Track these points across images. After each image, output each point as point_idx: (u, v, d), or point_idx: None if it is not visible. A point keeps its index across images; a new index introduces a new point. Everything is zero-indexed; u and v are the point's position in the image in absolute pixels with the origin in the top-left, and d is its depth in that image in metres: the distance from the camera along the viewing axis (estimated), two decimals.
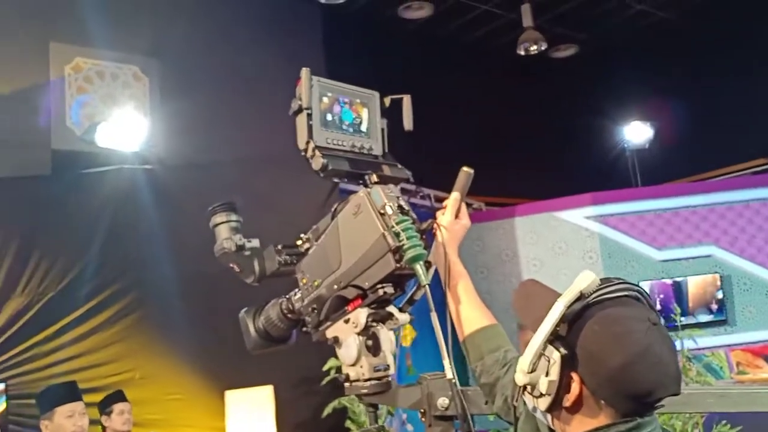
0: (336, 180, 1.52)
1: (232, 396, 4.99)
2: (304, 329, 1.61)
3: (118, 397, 4.28)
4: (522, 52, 7.67)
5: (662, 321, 1.14)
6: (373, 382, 1.45)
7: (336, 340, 1.49)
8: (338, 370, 4.95)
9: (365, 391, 1.45)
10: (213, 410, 5.00)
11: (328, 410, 5.03)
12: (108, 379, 4.73)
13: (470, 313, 1.46)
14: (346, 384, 1.48)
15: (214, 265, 5.26)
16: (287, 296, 1.60)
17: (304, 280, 1.55)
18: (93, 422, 4.20)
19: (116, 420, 4.20)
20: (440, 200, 6.50)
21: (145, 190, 5.20)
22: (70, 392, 3.25)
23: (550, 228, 6.92)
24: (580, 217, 6.85)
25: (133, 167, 5.30)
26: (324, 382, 5.07)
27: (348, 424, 5.06)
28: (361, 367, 1.45)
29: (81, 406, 3.23)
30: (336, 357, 4.52)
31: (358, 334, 1.45)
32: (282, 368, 5.12)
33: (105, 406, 4.22)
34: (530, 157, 8.53)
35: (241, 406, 4.99)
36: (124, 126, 5.32)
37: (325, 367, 5.06)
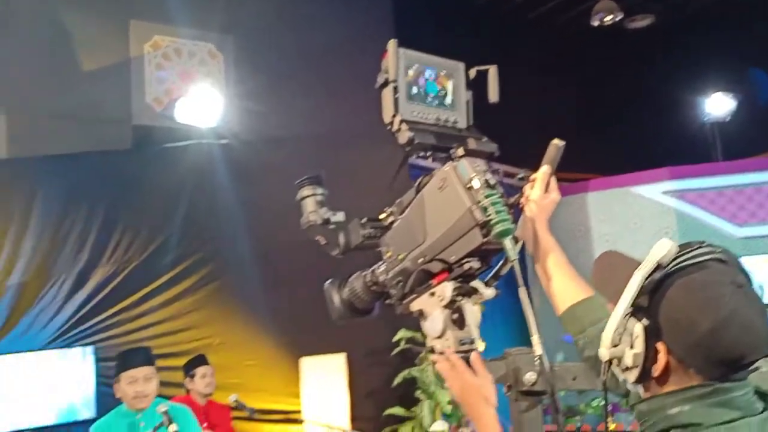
0: (421, 154, 1.52)
1: (306, 363, 5.14)
2: (388, 302, 1.64)
3: (201, 361, 4.47)
4: (596, 23, 7.43)
5: (752, 281, 1.10)
6: (459, 355, 1.47)
7: (421, 313, 1.51)
8: (408, 341, 5.04)
9: None
10: (288, 376, 5.17)
11: (398, 380, 5.11)
12: (189, 345, 4.94)
13: (566, 287, 1.44)
14: (432, 356, 1.51)
15: (288, 237, 5.38)
16: (371, 269, 1.62)
17: (389, 254, 1.57)
18: (178, 385, 4.43)
19: (199, 383, 4.40)
20: (510, 175, 6.44)
21: (221, 164, 5.35)
22: (134, 358, 3.33)
23: (624, 204, 6.75)
24: (657, 192, 6.66)
25: (210, 142, 5.46)
26: (394, 352, 5.15)
27: (418, 393, 5.13)
28: (447, 339, 1.47)
29: (145, 371, 3.26)
30: (406, 328, 4.59)
31: (444, 307, 1.46)
32: (354, 338, 5.22)
33: (188, 370, 4.42)
34: (604, 130, 8.30)
35: (315, 372, 5.13)
36: (200, 102, 5.47)
37: (396, 338, 5.14)
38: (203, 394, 4.41)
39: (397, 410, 5.07)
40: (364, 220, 1.62)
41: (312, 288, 5.44)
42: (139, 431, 3.15)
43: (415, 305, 1.52)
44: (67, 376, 4.72)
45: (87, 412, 4.73)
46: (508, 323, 5.77)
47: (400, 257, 1.53)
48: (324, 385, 5.09)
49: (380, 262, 1.62)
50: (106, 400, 4.77)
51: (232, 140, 5.51)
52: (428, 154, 1.56)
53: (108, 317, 5.13)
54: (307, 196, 1.65)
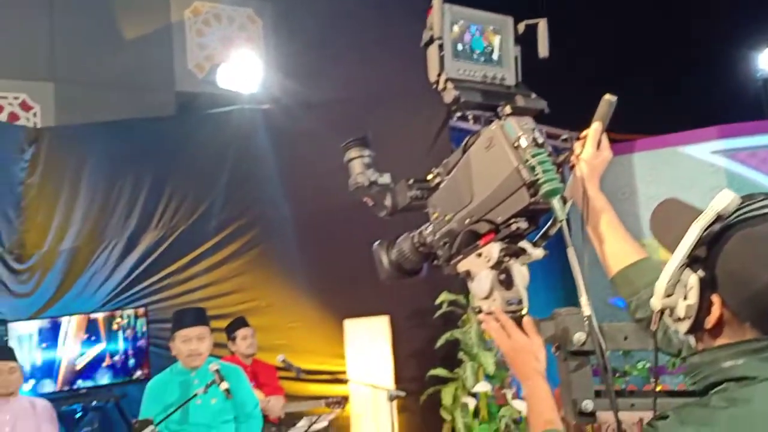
0: (468, 113, 1.50)
1: (350, 324, 5.20)
2: (435, 262, 1.64)
3: (241, 323, 4.56)
4: None
5: None
6: (506, 315, 1.46)
7: (468, 273, 1.50)
8: (450, 303, 5.05)
9: None
10: (332, 338, 5.24)
11: (441, 342, 5.13)
12: (236, 307, 5.05)
13: (618, 248, 1.41)
14: (480, 316, 1.51)
15: (330, 201, 5.43)
16: (419, 230, 1.62)
17: (436, 214, 1.57)
18: (225, 346, 4.55)
19: (240, 344, 4.50)
20: (553, 137, 6.32)
21: (263, 129, 5.39)
22: (187, 318, 3.44)
23: (671, 164, 6.58)
24: (706, 152, 6.47)
25: (252, 108, 5.49)
26: (437, 315, 5.17)
27: (460, 355, 5.16)
28: (494, 300, 1.46)
29: (198, 331, 3.36)
30: (448, 291, 4.58)
31: (491, 268, 1.45)
32: (397, 300, 5.27)
33: (230, 332, 4.52)
34: (651, 89, 8.05)
35: (359, 334, 5.20)
36: (241, 68, 5.49)
37: (438, 301, 5.15)
38: (246, 355, 4.52)
39: (440, 371, 5.10)
40: (411, 181, 1.61)
41: (354, 251, 5.48)
42: (192, 388, 3.25)
43: (462, 266, 1.52)
44: (120, 337, 4.89)
45: (140, 371, 4.91)
46: (549, 286, 5.75)
47: (446, 218, 1.53)
48: (368, 346, 5.15)
49: (427, 224, 1.61)
50: (157, 360, 4.95)
51: (272, 105, 5.53)
52: (469, 116, 1.53)
53: (157, 281, 5.28)
54: (354, 158, 1.64)
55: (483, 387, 4.98)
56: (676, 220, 1.13)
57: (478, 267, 1.48)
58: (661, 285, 1.11)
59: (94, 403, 4.55)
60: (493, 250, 1.44)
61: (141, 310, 4.99)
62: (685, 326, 1.11)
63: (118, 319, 4.90)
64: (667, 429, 1.06)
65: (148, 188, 5.29)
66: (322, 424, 4.22)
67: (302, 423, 4.04)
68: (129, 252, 5.25)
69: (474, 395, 5.02)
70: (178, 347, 3.34)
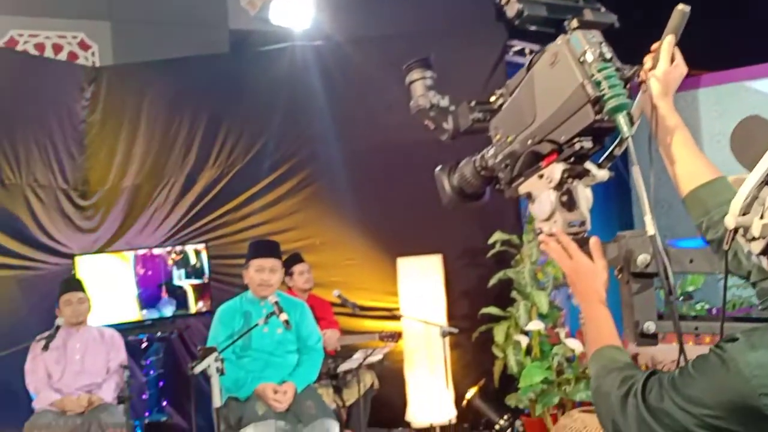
0: (533, 28, 1.44)
1: (403, 263, 5.24)
2: (497, 186, 1.62)
3: (297, 259, 4.66)
4: None
5: None
6: (568, 236, 1.44)
7: (529, 195, 1.48)
8: (503, 243, 5.02)
9: None
10: (386, 275, 5.30)
11: (493, 281, 5.13)
12: (292, 245, 5.13)
13: (691, 168, 1.36)
14: (541, 236, 1.49)
15: (382, 138, 5.41)
16: (481, 153, 1.60)
17: (498, 136, 1.54)
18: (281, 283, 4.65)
19: (298, 279, 4.61)
20: None
21: (315, 66, 5.35)
22: (263, 249, 3.56)
23: (739, 99, 6.29)
24: None
25: (304, 44, 5.45)
26: (489, 254, 5.16)
27: (513, 294, 5.16)
28: (555, 222, 1.44)
29: (272, 263, 3.49)
30: (501, 231, 4.54)
31: (553, 189, 1.43)
32: (450, 239, 5.28)
33: (287, 268, 4.60)
34: (716, 22, 7.63)
35: (412, 272, 5.23)
36: (293, 4, 5.44)
37: (491, 240, 5.13)
38: (303, 290, 4.62)
39: (492, 310, 5.11)
40: (473, 103, 1.58)
41: (407, 189, 5.51)
42: (255, 317, 3.37)
43: (524, 188, 1.50)
44: (183, 272, 5.05)
45: (201, 305, 5.08)
46: (604, 208, 5.66)
47: (508, 139, 1.50)
48: (420, 284, 5.20)
49: (489, 146, 1.59)
50: (217, 294, 5.11)
51: (325, 42, 5.48)
52: (526, 50, 1.48)
53: (215, 218, 5.41)
54: (416, 80, 1.61)
55: (536, 325, 4.98)
56: (758, 137, 1.09)
57: (540, 188, 1.45)
58: (737, 202, 1.07)
59: (158, 334, 4.75)
60: (556, 170, 1.41)
61: (201, 246, 5.14)
62: (759, 246, 1.07)
63: (180, 255, 5.06)
64: (737, 352, 1.04)
65: (205, 126, 5.36)
66: (377, 357, 4.32)
67: (357, 355, 4.14)
68: (188, 190, 5.37)
69: (526, 333, 5.03)
70: (251, 276, 3.46)
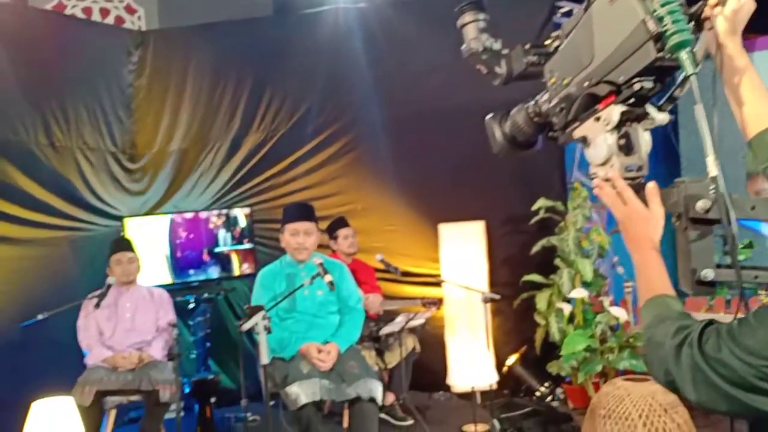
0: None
1: (445, 229, 5.22)
2: (550, 134, 1.58)
3: (342, 223, 4.68)
4: None
5: None
6: (625, 181, 1.40)
7: (584, 139, 1.44)
8: (547, 210, 4.95)
9: None
10: (428, 241, 5.29)
11: (536, 248, 5.07)
12: (335, 210, 5.15)
13: (759, 110, 1.30)
14: (595, 181, 1.45)
15: (426, 103, 5.34)
16: (534, 100, 1.56)
17: (553, 80, 1.49)
18: (325, 247, 4.68)
19: (342, 243, 4.63)
20: None
21: (359, 28, 5.30)
22: (296, 212, 3.57)
23: None
24: None
25: (347, 6, 5.40)
26: (533, 221, 5.10)
27: (557, 262, 5.09)
28: (612, 166, 1.40)
29: (306, 226, 3.50)
30: (545, 197, 4.46)
31: (610, 132, 1.38)
32: (492, 206, 5.23)
33: (331, 232, 4.65)
34: None
35: (454, 238, 5.21)
36: None
37: (535, 207, 5.07)
38: (347, 254, 4.64)
39: (535, 277, 5.07)
40: (528, 46, 1.54)
41: (449, 155, 5.45)
42: (298, 280, 3.40)
43: (579, 132, 1.46)
44: (228, 234, 5.13)
45: (246, 267, 5.16)
46: (651, 175, 5.52)
47: (564, 82, 1.45)
48: (462, 251, 5.17)
49: (543, 92, 1.55)
50: (261, 257, 5.17)
51: (368, 3, 5.42)
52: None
53: (260, 183, 5.46)
54: (469, 23, 1.57)
55: (580, 293, 4.92)
56: None
57: (596, 132, 1.41)
58: None
59: (205, 295, 4.84)
60: (614, 112, 1.37)
61: (246, 210, 5.20)
62: None
63: (225, 218, 5.13)
64: None
65: (249, 90, 5.39)
66: (419, 321, 4.33)
67: (400, 319, 4.16)
68: (233, 154, 5.43)
69: (569, 301, 4.98)
70: (287, 240, 3.49)
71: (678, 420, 3.83)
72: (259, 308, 2.92)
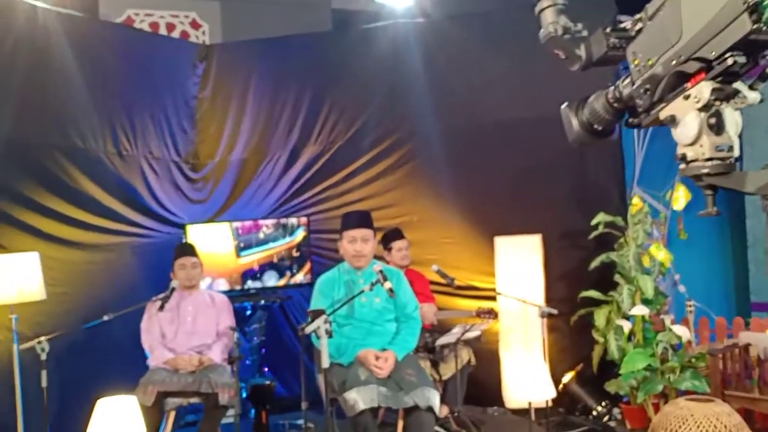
0: None
1: (501, 242, 5.17)
2: (630, 120, 1.56)
3: (397, 234, 4.68)
4: None
5: None
6: (714, 162, 1.36)
7: (672, 119, 1.41)
8: (606, 225, 4.86)
9: (705, 171, 1.37)
10: (483, 255, 5.25)
11: (595, 263, 4.98)
12: (390, 221, 5.16)
13: None
14: (682, 165, 1.42)
15: (484, 117, 5.30)
16: (614, 85, 1.55)
17: (636, 62, 1.48)
18: (379, 258, 4.68)
19: (395, 255, 4.63)
20: None
21: (417, 43, 5.35)
22: (354, 220, 3.59)
23: None
24: None
25: (406, 21, 5.47)
26: (591, 236, 5.01)
27: (616, 278, 4.98)
28: (701, 146, 1.37)
29: (363, 233, 3.50)
30: (605, 212, 4.37)
31: (699, 110, 1.36)
32: (549, 219, 5.17)
33: (386, 243, 4.65)
34: None
35: (510, 252, 5.15)
36: None
37: (594, 222, 4.98)
38: (400, 266, 4.63)
39: (593, 293, 4.97)
40: (608, 29, 1.52)
41: (506, 168, 5.41)
42: (357, 287, 3.40)
43: (666, 112, 1.43)
44: (285, 243, 5.18)
45: (302, 276, 5.20)
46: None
47: (649, 63, 1.43)
48: (518, 265, 5.11)
49: (623, 76, 1.53)
50: (317, 267, 5.21)
51: (426, 19, 5.47)
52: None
53: (317, 193, 5.52)
54: (547, 6, 1.57)
55: (640, 310, 4.80)
56: None
57: (685, 110, 1.38)
58: None
59: (261, 302, 4.89)
60: (704, 89, 1.34)
61: (304, 219, 5.26)
62: None
63: (283, 228, 5.19)
64: None
65: (308, 103, 5.48)
66: (475, 333, 4.28)
67: (456, 330, 4.12)
68: (291, 165, 5.51)
69: (628, 318, 4.86)
70: (345, 247, 3.51)
71: None
72: (321, 312, 2.94)
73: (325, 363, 2.84)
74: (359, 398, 3.07)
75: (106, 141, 4.85)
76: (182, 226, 5.10)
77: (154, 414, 3.60)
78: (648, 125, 1.52)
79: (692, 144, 1.40)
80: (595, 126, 1.62)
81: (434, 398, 3.15)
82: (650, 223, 5.03)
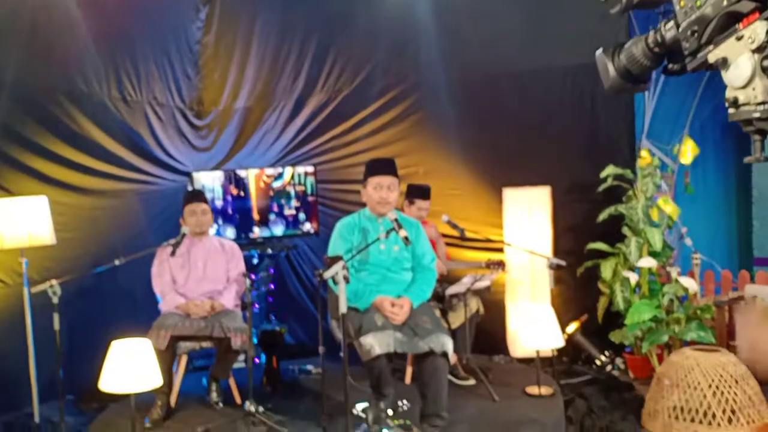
0: None
1: (510, 193, 5.15)
2: (670, 66, 1.52)
3: (424, 194, 4.53)
4: None
5: None
6: (767, 106, 1.34)
7: (723, 61, 1.38)
8: (615, 178, 4.84)
9: (757, 115, 1.34)
10: (491, 207, 5.24)
11: (603, 216, 4.98)
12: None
13: None
14: (731, 110, 1.38)
15: (494, 67, 5.20)
16: (654, 29, 1.50)
17: (682, 3, 1.43)
18: None
19: (413, 211, 4.57)
20: None
21: None
22: (379, 167, 3.55)
23: None
24: None
25: None
26: (600, 189, 5.00)
27: (624, 231, 4.99)
28: (754, 89, 1.34)
29: (390, 180, 3.48)
30: (613, 164, 4.33)
31: (753, 52, 1.32)
32: (558, 172, 5.14)
33: (410, 197, 4.55)
34: None
35: (518, 204, 5.15)
36: None
37: (603, 174, 4.96)
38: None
39: (601, 245, 4.98)
40: None
41: (515, 120, 5.33)
42: (372, 234, 3.40)
43: (715, 54, 1.39)
44: (292, 193, 5.15)
45: (309, 226, 5.19)
46: None
47: (697, 4, 1.39)
48: (526, 217, 5.11)
49: (664, 20, 1.49)
50: (323, 217, 5.20)
51: None
52: None
53: (322, 143, 5.47)
54: None
55: (648, 262, 4.82)
56: None
57: (737, 52, 1.34)
58: None
59: (268, 251, 4.88)
60: (759, 30, 1.30)
61: (310, 169, 5.21)
62: None
63: (290, 177, 5.15)
64: None
65: (314, 51, 5.37)
66: (485, 283, 4.30)
67: (466, 279, 4.14)
68: (297, 114, 5.44)
69: (635, 270, 4.89)
70: (370, 193, 3.49)
71: (749, 392, 3.74)
72: (338, 258, 2.93)
73: (343, 308, 2.85)
74: (375, 343, 3.09)
75: (111, 86, 4.76)
76: (188, 174, 5.05)
77: (167, 357, 3.63)
78: (694, 69, 1.48)
79: (744, 87, 1.37)
80: (633, 71, 1.59)
81: (448, 344, 3.18)
82: (660, 177, 5.02)
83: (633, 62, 1.58)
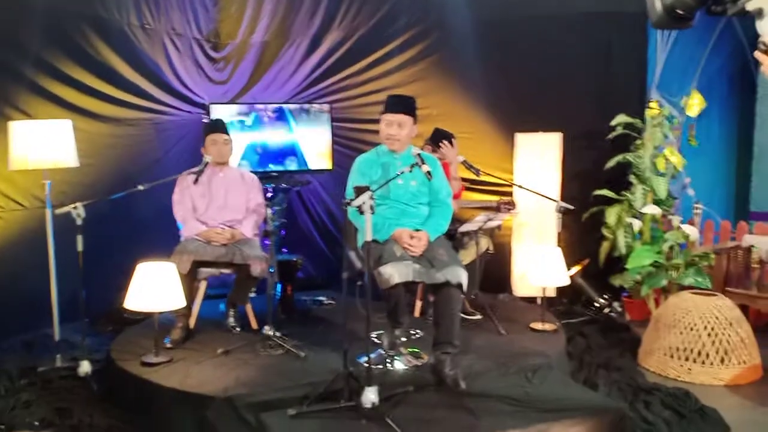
0: None
1: (522, 138, 5.24)
2: (713, 7, 1.60)
3: (447, 139, 4.58)
4: None
5: None
6: None
7: (759, 12, 1.46)
8: (625, 126, 4.92)
9: None
10: (503, 151, 5.33)
11: (611, 163, 5.09)
12: None
13: None
14: (756, 53, 1.48)
15: (513, 9, 5.21)
16: None
17: None
18: None
19: (433, 153, 4.63)
20: None
21: None
22: (391, 104, 3.58)
23: None
24: None
25: None
26: (609, 136, 5.09)
27: (630, 178, 5.11)
28: None
29: (399, 118, 3.51)
30: (625, 114, 4.40)
31: None
32: (569, 119, 5.22)
33: (435, 141, 4.59)
34: None
35: (529, 148, 5.24)
36: None
37: (613, 122, 5.05)
38: None
39: (607, 192, 5.11)
40: None
41: (531, 65, 5.36)
42: (394, 169, 3.48)
43: (753, 4, 1.48)
44: (307, 129, 5.20)
45: (323, 163, 5.27)
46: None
47: None
48: (536, 162, 5.21)
49: None
50: (338, 156, 5.28)
51: None
52: None
53: (337, 81, 5.49)
54: None
55: (652, 209, 4.97)
56: None
57: None
58: None
59: (282, 185, 4.97)
60: None
61: (326, 106, 5.26)
62: None
63: (306, 113, 5.20)
64: None
65: None
66: (497, 222, 4.43)
67: (479, 218, 4.26)
68: (313, 50, 5.44)
69: (638, 217, 5.03)
70: (382, 129, 3.56)
71: (741, 334, 3.94)
72: (365, 188, 3.01)
73: (368, 236, 2.95)
74: (395, 272, 3.21)
75: (130, 13, 4.76)
76: (203, 106, 5.10)
77: (189, 281, 3.75)
78: (733, 14, 1.57)
79: None
80: (678, 10, 1.66)
81: (464, 276, 3.30)
82: (668, 127, 5.12)
83: (679, 1, 1.66)
